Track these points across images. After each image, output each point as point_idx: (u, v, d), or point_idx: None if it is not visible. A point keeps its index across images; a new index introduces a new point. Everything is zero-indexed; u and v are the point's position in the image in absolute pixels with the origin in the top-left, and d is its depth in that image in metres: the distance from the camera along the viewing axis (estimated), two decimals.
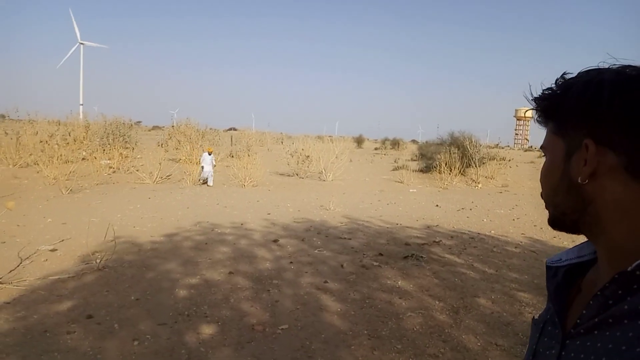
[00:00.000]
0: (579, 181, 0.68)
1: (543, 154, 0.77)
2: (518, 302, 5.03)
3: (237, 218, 9.84)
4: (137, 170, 16.39)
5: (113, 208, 10.34)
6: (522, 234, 9.12)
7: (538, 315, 0.83)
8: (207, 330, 4.15)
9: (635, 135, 0.62)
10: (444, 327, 4.31)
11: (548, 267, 0.81)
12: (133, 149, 20.13)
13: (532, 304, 4.99)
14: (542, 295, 5.05)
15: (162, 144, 23.44)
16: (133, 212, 9.90)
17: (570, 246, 0.82)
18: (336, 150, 20.22)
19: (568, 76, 0.72)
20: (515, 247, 7.75)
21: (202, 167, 16.61)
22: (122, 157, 17.95)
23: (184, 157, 19.22)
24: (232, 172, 18.01)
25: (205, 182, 16.67)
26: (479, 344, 4.00)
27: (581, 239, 0.73)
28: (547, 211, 0.76)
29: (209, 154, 16.90)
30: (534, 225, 10.00)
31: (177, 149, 21.65)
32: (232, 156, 23.71)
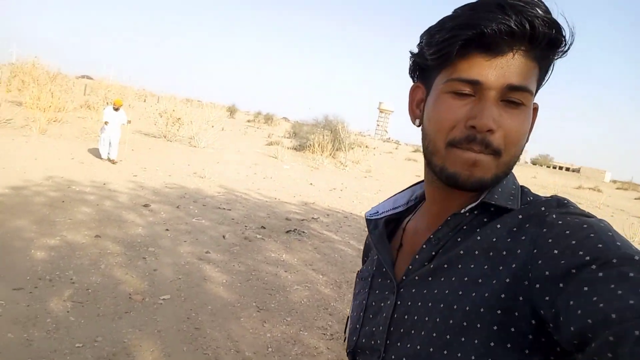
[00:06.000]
0: (527, 139, 0.65)
1: (517, 101, 0.60)
2: None
3: (97, 177, 8.82)
4: None
5: None
6: None
7: (360, 270, 0.84)
8: (76, 297, 3.64)
9: None
10: (329, 300, 4.45)
11: (368, 220, 0.81)
12: None
13: None
14: None
15: (2, 82, 19.69)
16: None
17: None
18: (211, 117, 19.34)
19: None
20: None
21: (103, 128, 11.20)
22: None
23: (30, 101, 16.45)
24: (88, 125, 16.08)
25: (109, 158, 11.03)
26: None
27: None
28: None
29: (116, 110, 11.45)
30: None
31: (20, 89, 18.41)
32: (89, 107, 21.09)
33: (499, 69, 0.58)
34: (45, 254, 4.41)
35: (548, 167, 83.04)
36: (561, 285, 0.49)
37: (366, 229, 0.83)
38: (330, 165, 18.97)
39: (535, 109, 0.66)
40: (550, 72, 0.64)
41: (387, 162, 25.00)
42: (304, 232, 6.76)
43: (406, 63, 0.72)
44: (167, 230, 5.96)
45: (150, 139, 17.46)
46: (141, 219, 6.29)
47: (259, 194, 9.90)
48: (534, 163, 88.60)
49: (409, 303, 0.64)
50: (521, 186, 0.67)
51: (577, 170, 74.15)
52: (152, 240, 5.42)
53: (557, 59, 0.62)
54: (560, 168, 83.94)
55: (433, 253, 0.65)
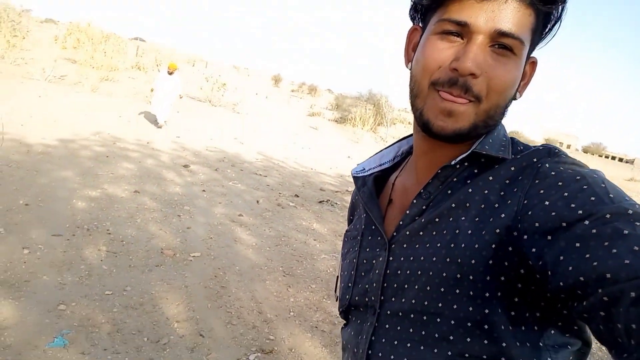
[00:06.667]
0: (518, 96, 0.64)
1: (507, 46, 0.57)
2: None
3: (143, 135, 9.07)
4: (27, 64, 14.19)
5: None
6: None
7: (348, 230, 0.83)
8: (110, 248, 3.78)
9: None
10: None
11: (355, 178, 0.79)
12: (24, 38, 17.26)
13: None
14: None
15: (59, 40, 20.42)
16: (20, 109, 8.60)
17: None
18: (256, 85, 19.44)
19: None
20: None
21: (152, 89, 10.66)
22: (9, 46, 15.30)
23: (83, 59, 17.04)
24: (137, 85, 16.51)
25: (157, 120, 10.55)
26: None
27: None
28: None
29: (170, 74, 10.73)
30: None
31: (75, 47, 19.06)
32: (139, 69, 21.63)
33: (490, 13, 0.56)
34: (85, 204, 4.59)
35: (600, 156, 78.42)
36: (549, 238, 0.48)
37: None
38: (370, 140, 18.73)
39: (534, 63, 0.64)
40: (555, 24, 0.60)
41: None
42: (336, 203, 6.73)
43: None
44: (203, 191, 6.07)
45: (195, 103, 17.78)
46: (180, 179, 6.43)
47: (296, 163, 9.92)
48: (585, 151, 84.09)
49: (402, 258, 0.64)
50: (511, 137, 0.65)
51: (631, 162, 69.75)
52: (188, 200, 5.54)
53: (556, 8, 0.58)
54: (613, 158, 79.18)
55: (424, 207, 0.64)
